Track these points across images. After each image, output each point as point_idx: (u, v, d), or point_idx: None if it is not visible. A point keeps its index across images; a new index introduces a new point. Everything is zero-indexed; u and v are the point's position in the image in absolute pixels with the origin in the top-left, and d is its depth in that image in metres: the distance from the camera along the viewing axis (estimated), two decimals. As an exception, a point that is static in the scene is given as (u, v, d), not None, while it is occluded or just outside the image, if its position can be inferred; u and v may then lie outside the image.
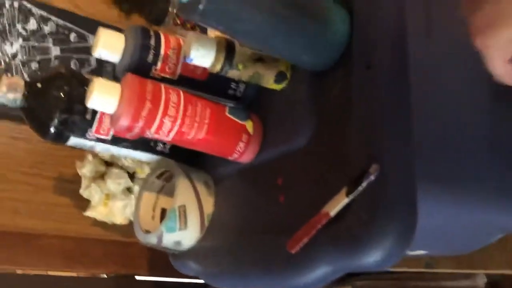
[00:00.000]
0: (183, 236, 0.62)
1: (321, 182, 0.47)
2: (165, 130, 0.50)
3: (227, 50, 0.50)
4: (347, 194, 0.41)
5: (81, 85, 0.59)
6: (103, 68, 0.95)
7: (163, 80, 0.54)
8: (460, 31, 0.54)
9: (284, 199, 0.51)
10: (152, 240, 0.62)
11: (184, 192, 0.61)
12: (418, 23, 0.48)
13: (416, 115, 0.42)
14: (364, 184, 0.40)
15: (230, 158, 0.56)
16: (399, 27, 0.45)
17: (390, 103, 0.42)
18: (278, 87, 0.54)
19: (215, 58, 0.49)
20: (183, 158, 0.64)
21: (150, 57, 0.53)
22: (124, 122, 0.49)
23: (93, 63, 0.96)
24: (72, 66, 0.92)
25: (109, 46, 0.52)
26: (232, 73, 0.51)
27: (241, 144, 0.54)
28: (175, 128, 0.50)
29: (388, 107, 0.42)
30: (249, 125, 0.54)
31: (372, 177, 0.40)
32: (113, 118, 0.50)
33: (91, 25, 0.93)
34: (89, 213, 0.85)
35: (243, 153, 0.55)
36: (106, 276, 0.94)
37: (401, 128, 0.41)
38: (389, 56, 0.43)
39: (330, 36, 0.46)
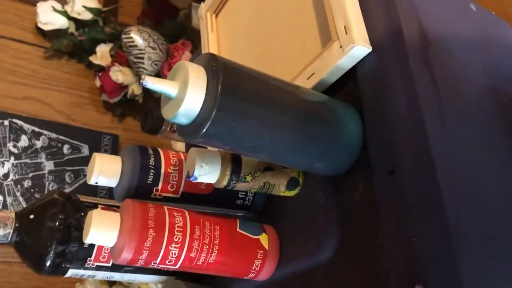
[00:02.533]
0: None
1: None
2: (172, 259, 0.45)
3: (233, 162, 0.46)
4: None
5: (77, 211, 0.54)
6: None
7: (166, 199, 0.50)
8: (471, 107, 0.51)
9: (313, 322, 0.45)
10: None
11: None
12: (431, 111, 0.45)
13: (452, 217, 0.38)
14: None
15: (246, 277, 0.50)
16: (416, 122, 0.41)
17: (423, 210, 0.38)
18: (291, 193, 0.49)
19: (221, 173, 0.45)
20: (192, 277, 0.58)
21: (151, 178, 0.49)
22: (127, 255, 0.44)
23: (89, 173, 0.92)
24: (67, 179, 0.89)
25: (105, 171, 0.48)
26: (241, 186, 0.47)
27: (257, 262, 0.49)
28: (183, 255, 0.45)
29: (422, 214, 0.37)
30: (263, 239, 0.50)
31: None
32: (114, 251, 0.45)
33: (85, 135, 0.90)
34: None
35: (259, 271, 0.49)
36: None
37: (440, 236, 0.36)
38: (412, 156, 0.40)
39: (343, 141, 0.42)
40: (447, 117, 0.46)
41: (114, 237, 0.44)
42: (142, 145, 0.51)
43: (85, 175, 0.87)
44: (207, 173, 0.45)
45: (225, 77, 0.35)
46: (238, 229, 0.49)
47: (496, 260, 0.41)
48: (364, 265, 0.42)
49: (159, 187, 0.49)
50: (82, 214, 0.54)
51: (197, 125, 0.35)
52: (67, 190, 0.86)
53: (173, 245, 0.45)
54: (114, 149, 0.93)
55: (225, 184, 0.46)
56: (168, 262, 0.45)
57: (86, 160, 0.94)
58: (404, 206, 0.38)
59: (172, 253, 0.45)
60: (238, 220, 0.50)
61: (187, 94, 0.34)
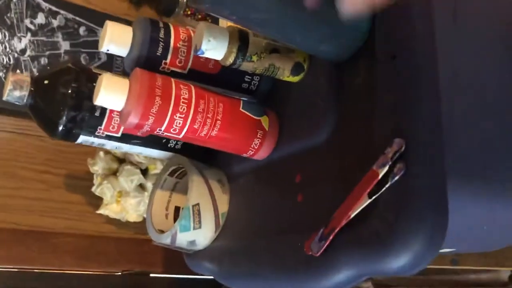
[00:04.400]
0: (198, 235, 0.59)
1: (342, 179, 0.44)
2: (177, 128, 0.48)
3: (241, 40, 0.47)
4: (370, 195, 0.38)
5: (89, 81, 0.56)
6: (113, 62, 0.93)
7: (174, 74, 0.52)
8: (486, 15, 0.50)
9: (302, 198, 0.48)
10: (166, 240, 0.60)
11: (198, 190, 0.59)
12: (445, 7, 0.44)
13: (445, 106, 0.39)
14: (387, 185, 0.38)
15: (244, 155, 0.53)
16: (426, 12, 0.41)
17: (418, 93, 0.39)
18: (295, 79, 0.51)
19: (227, 50, 0.46)
20: (196, 155, 0.62)
21: (160, 51, 0.50)
22: (133, 119, 0.46)
23: (103, 57, 0.94)
24: (82, 60, 0.91)
25: (116, 39, 0.49)
26: (246, 66, 0.48)
27: (256, 141, 0.51)
28: (187, 125, 0.48)
29: (415, 97, 0.39)
30: (264, 120, 0.52)
31: (396, 177, 0.37)
32: (122, 115, 0.47)
33: (101, 19, 0.90)
34: (102, 211, 0.84)
35: (258, 149, 0.52)
36: (120, 274, 0.93)
37: (430, 120, 0.38)
38: (416, 44, 0.40)
39: (351, 24, 0.42)
40: (460, 17, 0.46)
41: (122, 101, 0.46)
42: (154, 18, 0.51)
43: (100, 59, 0.89)
44: (214, 48, 0.46)
45: None
46: (241, 109, 0.51)
47: (480, 157, 0.43)
48: (356, 145, 0.44)
49: (168, 60, 0.51)
50: (94, 84, 0.56)
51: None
52: (82, 71, 0.89)
53: (178, 115, 0.47)
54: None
55: (231, 61, 0.47)
56: (173, 130, 0.48)
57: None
58: (402, 87, 0.39)
59: (176, 123, 0.47)
60: (242, 101, 0.52)
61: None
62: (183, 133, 0.48)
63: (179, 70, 0.51)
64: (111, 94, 0.46)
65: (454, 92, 0.41)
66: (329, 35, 0.42)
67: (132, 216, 0.84)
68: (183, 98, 0.47)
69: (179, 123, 0.47)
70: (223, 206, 0.60)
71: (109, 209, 0.84)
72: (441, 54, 0.40)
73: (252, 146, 0.51)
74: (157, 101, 0.46)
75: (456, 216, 0.37)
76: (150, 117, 0.46)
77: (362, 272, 0.40)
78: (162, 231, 0.62)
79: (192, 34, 0.53)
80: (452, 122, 0.39)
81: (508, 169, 0.43)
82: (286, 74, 0.50)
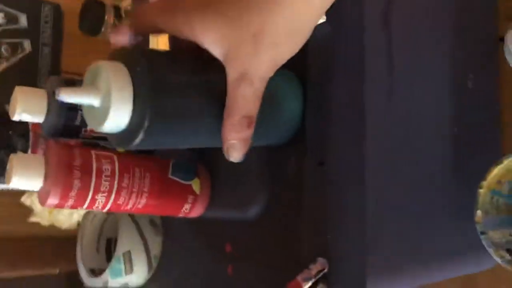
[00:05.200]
0: (130, 279, 0.59)
1: (269, 264, 0.44)
2: (99, 205, 0.45)
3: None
4: (296, 302, 0.39)
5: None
6: (39, 53, 0.85)
7: (96, 138, 0.48)
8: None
9: (232, 271, 0.48)
10: (97, 284, 0.59)
11: (128, 236, 0.57)
12: (378, 93, 0.43)
13: (371, 228, 0.39)
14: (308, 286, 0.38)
15: (176, 216, 0.52)
16: (356, 111, 0.40)
17: (343, 203, 0.38)
18: (226, 145, 0.48)
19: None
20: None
21: (79, 119, 0.46)
22: (52, 201, 0.43)
23: (27, 47, 0.85)
24: (3, 52, 0.82)
25: (30, 108, 0.45)
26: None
27: (187, 205, 0.50)
28: (110, 202, 0.45)
29: (342, 217, 0.38)
30: (195, 184, 0.50)
31: (315, 277, 0.38)
32: (41, 195, 0.44)
33: (22, 2, 0.81)
34: (33, 219, 0.81)
35: (189, 213, 0.51)
36: (57, 274, 0.92)
37: (355, 243, 0.38)
38: (343, 151, 0.39)
39: (282, 117, 0.40)
40: (396, 96, 0.44)
41: (39, 182, 0.43)
42: (69, 78, 0.47)
43: (24, 50, 0.81)
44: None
45: (154, 83, 0.31)
46: (169, 175, 0.49)
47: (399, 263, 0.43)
48: (284, 233, 0.43)
49: (88, 128, 0.47)
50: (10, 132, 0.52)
51: (129, 134, 0.32)
52: (4, 65, 0.81)
53: (100, 194, 0.45)
54: (55, 22, 0.85)
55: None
56: (95, 207, 0.45)
57: (25, 33, 0.86)
58: (328, 206, 0.38)
59: (98, 202, 0.45)
60: (171, 164, 0.49)
61: (111, 105, 0.30)
62: (106, 208, 0.46)
63: (102, 135, 0.48)
64: (25, 177, 0.42)
65: (381, 208, 0.40)
66: (257, 135, 0.40)
67: (65, 225, 0.82)
68: (105, 175, 0.44)
69: (102, 201, 0.45)
70: (156, 248, 0.59)
71: (41, 217, 0.82)
72: (369, 164, 0.39)
73: (182, 210, 0.50)
74: (76, 184, 0.43)
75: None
76: (70, 199, 0.44)
77: None
78: (93, 270, 0.61)
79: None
80: (376, 240, 0.39)
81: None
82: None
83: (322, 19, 0.39)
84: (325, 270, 0.37)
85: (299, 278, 0.39)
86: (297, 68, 0.42)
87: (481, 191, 0.48)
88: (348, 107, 0.39)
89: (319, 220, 0.39)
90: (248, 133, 0.33)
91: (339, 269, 0.37)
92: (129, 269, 0.58)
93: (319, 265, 0.37)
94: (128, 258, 0.57)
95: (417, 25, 0.49)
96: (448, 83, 0.54)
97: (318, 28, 0.40)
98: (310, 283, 0.38)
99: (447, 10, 0.52)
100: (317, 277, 0.37)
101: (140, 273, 0.59)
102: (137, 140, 0.31)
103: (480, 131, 0.59)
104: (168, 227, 0.59)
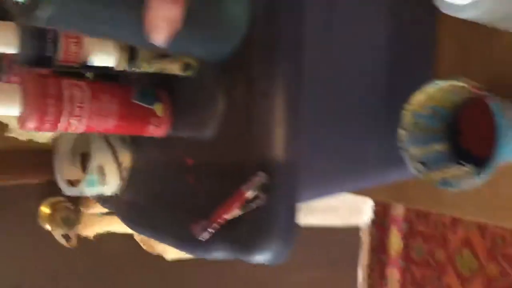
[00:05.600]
0: (104, 189, 0.67)
1: (223, 176, 0.52)
2: (73, 128, 0.51)
3: (129, 49, 0.49)
4: (240, 208, 0.48)
5: None
6: None
7: (68, 68, 0.53)
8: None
9: (193, 181, 0.56)
10: (75, 193, 0.67)
11: (100, 152, 0.64)
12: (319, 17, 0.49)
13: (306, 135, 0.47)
14: (252, 206, 0.47)
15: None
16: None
17: (283, 127, 0.46)
18: (185, 74, 0.54)
19: (117, 61, 0.49)
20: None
21: (50, 49, 0.50)
22: (30, 126, 0.49)
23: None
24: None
25: (1, 40, 0.49)
26: (137, 70, 0.51)
27: (151, 127, 0.56)
28: (83, 124, 0.52)
29: (280, 130, 0.46)
30: (158, 108, 0.56)
31: (259, 201, 0.46)
32: (20, 119, 0.50)
33: None
34: (9, 133, 0.86)
35: (154, 133, 0.57)
36: (37, 183, 0.99)
37: (292, 161, 0.46)
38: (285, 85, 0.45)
39: (220, 18, 0.43)
40: (335, 28, 0.50)
41: (15, 109, 0.49)
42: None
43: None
44: (104, 61, 0.48)
45: None
46: (133, 100, 0.55)
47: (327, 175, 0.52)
48: (235, 151, 0.51)
49: (60, 57, 0.51)
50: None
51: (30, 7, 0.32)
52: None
53: (73, 118, 0.51)
54: None
55: (122, 69, 0.50)
56: (70, 130, 0.52)
57: None
58: (269, 125, 0.46)
59: (72, 124, 0.51)
60: (134, 91, 0.55)
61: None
62: (79, 130, 0.52)
63: (73, 64, 0.53)
64: (1, 104, 0.48)
65: (319, 117, 0.48)
66: (195, 35, 0.43)
67: (41, 139, 0.88)
68: (76, 102, 0.50)
69: (75, 124, 0.51)
70: (126, 162, 0.67)
71: (17, 133, 0.87)
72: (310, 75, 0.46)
73: (147, 131, 0.57)
74: (50, 109, 0.49)
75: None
76: (47, 123, 0.50)
77: (236, 258, 0.52)
78: (71, 181, 0.69)
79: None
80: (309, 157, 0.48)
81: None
82: (177, 72, 0.53)
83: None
84: (265, 182, 0.45)
85: (243, 188, 0.47)
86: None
87: (405, 113, 0.56)
88: (289, 39, 0.45)
89: (262, 141, 0.47)
90: (174, 11, 0.30)
91: (276, 182, 0.45)
92: (103, 180, 0.66)
93: (260, 178, 0.45)
94: (101, 171, 0.65)
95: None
96: (385, 14, 0.59)
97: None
98: (252, 192, 0.46)
99: None
100: (258, 187, 0.46)
101: (112, 183, 0.67)
102: (42, 13, 0.31)
103: (414, 60, 0.66)
104: (137, 142, 0.66)
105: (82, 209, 1.06)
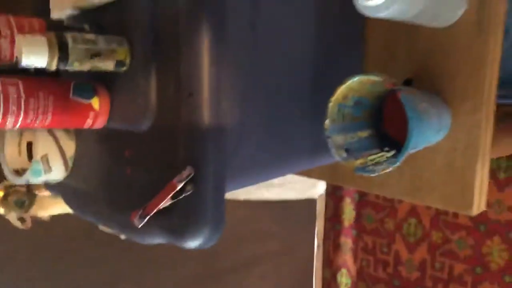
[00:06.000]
0: (50, 177, 0.69)
1: (157, 168, 0.56)
2: (10, 125, 0.53)
3: (61, 49, 0.51)
4: (172, 198, 0.51)
5: None
6: None
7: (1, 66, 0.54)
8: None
9: (130, 172, 0.59)
10: (21, 181, 0.69)
11: (43, 142, 0.66)
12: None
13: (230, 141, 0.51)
14: (182, 196, 0.50)
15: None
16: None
17: (209, 121, 0.49)
18: (118, 71, 0.56)
19: (49, 59, 0.50)
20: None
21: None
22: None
23: None
24: None
25: None
26: (70, 69, 0.53)
27: (89, 120, 0.59)
28: (19, 122, 0.53)
29: (209, 127, 0.49)
30: (95, 102, 0.58)
31: (188, 192, 0.50)
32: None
33: None
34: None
35: (92, 126, 0.60)
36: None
37: (215, 157, 0.49)
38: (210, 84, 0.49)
39: None
40: (260, 27, 0.53)
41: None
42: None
43: None
44: (35, 62, 0.50)
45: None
46: (71, 96, 0.57)
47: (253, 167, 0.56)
48: (167, 145, 0.54)
49: (-8, 57, 0.53)
50: None
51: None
52: None
53: (9, 116, 0.53)
54: None
55: (54, 68, 0.52)
56: (7, 127, 0.54)
57: None
58: (197, 122, 0.49)
59: (9, 122, 0.53)
60: (72, 86, 0.57)
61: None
62: (17, 127, 0.54)
63: (7, 63, 0.54)
64: None
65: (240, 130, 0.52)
66: None
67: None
68: (12, 98, 0.52)
69: (12, 121, 0.53)
70: (70, 151, 0.69)
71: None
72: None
73: (85, 124, 0.59)
74: (-14, 109, 0.51)
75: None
76: (-18, 120, 0.51)
77: (169, 242, 0.56)
78: (17, 171, 0.71)
79: (13, 23, 0.54)
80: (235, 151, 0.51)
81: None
82: (109, 69, 0.55)
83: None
84: (192, 175, 0.49)
85: (175, 180, 0.51)
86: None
87: (330, 104, 0.60)
88: (213, 38, 0.48)
89: (189, 136, 0.50)
90: None
91: (202, 175, 0.49)
92: (48, 169, 0.68)
93: (188, 171, 0.49)
94: (45, 160, 0.67)
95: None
96: (314, 9, 0.62)
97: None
98: (181, 184, 0.50)
99: None
100: (187, 179, 0.49)
101: (58, 172, 0.69)
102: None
103: (344, 54, 0.69)
104: (80, 133, 0.69)
105: (35, 191, 1.08)
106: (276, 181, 1.52)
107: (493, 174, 1.39)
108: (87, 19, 0.59)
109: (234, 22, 0.50)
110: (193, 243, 0.52)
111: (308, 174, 0.83)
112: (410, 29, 0.66)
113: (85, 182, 0.68)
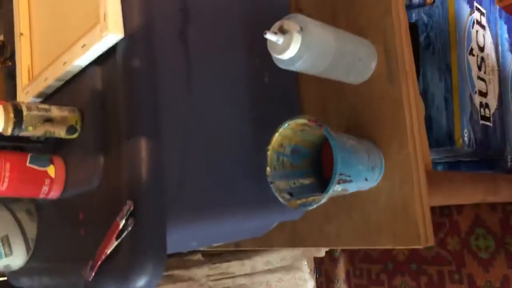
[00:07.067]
0: (11, 260, 0.71)
1: (107, 220, 0.59)
2: (-33, 190, 0.58)
3: (15, 116, 0.57)
4: (116, 238, 0.54)
5: None
6: None
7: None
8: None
9: (84, 232, 0.62)
10: (-19, 267, 0.70)
11: (4, 223, 0.70)
12: (177, 86, 0.60)
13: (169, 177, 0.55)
14: (125, 233, 0.53)
15: (38, 197, 0.65)
16: (154, 105, 0.56)
17: (142, 175, 0.54)
18: (72, 137, 0.63)
19: (4, 124, 0.57)
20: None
21: None
22: None
23: None
24: None
25: None
26: (24, 134, 0.59)
27: (45, 187, 0.63)
28: (-24, 188, 0.58)
29: (140, 176, 0.54)
30: (50, 170, 0.64)
31: (130, 227, 0.53)
32: None
33: None
34: None
35: (48, 193, 0.64)
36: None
37: (151, 192, 0.54)
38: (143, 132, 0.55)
39: None
40: (195, 86, 0.61)
41: None
42: None
43: None
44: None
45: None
46: (27, 164, 0.62)
47: (195, 202, 0.60)
48: (115, 197, 0.58)
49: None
50: None
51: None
52: None
53: (-34, 180, 0.57)
54: None
55: (10, 133, 0.58)
56: (-36, 192, 0.58)
57: None
58: (131, 170, 0.54)
59: (-34, 186, 0.58)
60: (29, 156, 0.63)
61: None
62: (-26, 192, 0.59)
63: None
64: None
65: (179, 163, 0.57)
66: None
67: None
68: (-30, 165, 0.57)
69: (-31, 186, 0.58)
70: (32, 233, 0.72)
71: None
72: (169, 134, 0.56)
73: (42, 192, 0.63)
74: None
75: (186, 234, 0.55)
76: None
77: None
78: (-22, 257, 0.72)
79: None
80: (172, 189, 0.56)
81: (228, 201, 0.62)
82: (62, 135, 0.62)
83: (120, 36, 0.56)
84: (131, 209, 0.52)
85: (118, 218, 0.54)
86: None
87: (268, 153, 0.66)
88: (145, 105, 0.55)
89: (129, 173, 0.55)
90: None
91: (140, 208, 0.53)
92: (9, 252, 0.70)
93: (128, 206, 0.53)
94: (6, 241, 0.70)
95: (214, 37, 0.67)
96: (245, 81, 0.71)
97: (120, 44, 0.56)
98: (124, 220, 0.53)
99: (242, 23, 0.70)
100: (128, 214, 0.53)
101: (19, 254, 0.71)
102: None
103: (279, 114, 0.77)
104: (41, 213, 0.72)
105: None
106: (263, 280, 1.49)
107: (475, 255, 1.38)
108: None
109: (168, 90, 0.58)
110: (139, 281, 0.53)
111: (269, 244, 0.85)
112: (337, 86, 0.75)
113: (46, 260, 0.70)
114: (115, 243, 0.54)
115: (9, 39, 0.77)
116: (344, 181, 0.62)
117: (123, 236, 0.53)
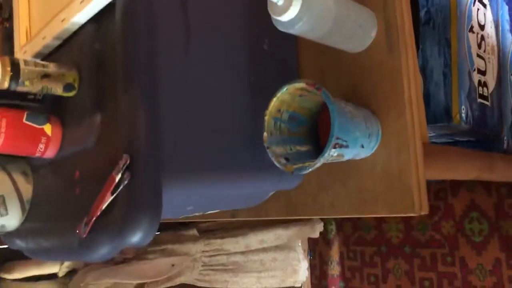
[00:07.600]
0: (6, 220, 0.71)
1: (103, 178, 0.59)
2: (-37, 144, 0.58)
3: (12, 69, 0.57)
4: (112, 193, 0.54)
5: None
6: None
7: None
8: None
9: (79, 191, 0.62)
10: (-23, 226, 0.70)
11: (0, 184, 0.70)
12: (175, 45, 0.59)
13: (165, 125, 0.55)
14: (121, 187, 0.53)
15: (34, 156, 0.65)
16: (151, 55, 0.56)
17: (144, 110, 0.54)
18: (69, 94, 0.63)
19: (1, 77, 0.57)
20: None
21: None
22: None
23: None
24: None
25: None
26: (21, 89, 0.59)
27: (41, 145, 0.63)
28: (-28, 141, 0.58)
29: (137, 127, 0.54)
30: (47, 128, 0.63)
31: (126, 181, 0.53)
32: None
33: None
34: None
35: (44, 152, 0.64)
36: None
37: (147, 145, 0.54)
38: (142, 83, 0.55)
39: None
40: (194, 49, 0.61)
41: None
42: None
43: None
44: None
45: None
46: (24, 120, 0.62)
47: (190, 159, 0.60)
48: (111, 153, 0.58)
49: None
50: None
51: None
52: None
53: (-37, 133, 0.57)
54: None
55: (6, 87, 0.58)
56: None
57: None
58: (129, 121, 0.54)
59: (-38, 139, 0.57)
60: (26, 113, 0.63)
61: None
62: (-30, 148, 0.58)
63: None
64: None
65: (177, 115, 0.57)
66: None
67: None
68: (-34, 118, 0.57)
69: (-35, 140, 0.57)
70: (28, 194, 0.72)
71: None
72: (165, 84, 0.56)
73: (38, 149, 0.63)
74: None
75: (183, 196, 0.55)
76: None
77: (116, 246, 0.56)
78: (-26, 217, 0.72)
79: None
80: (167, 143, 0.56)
81: (223, 164, 0.62)
82: (59, 92, 0.61)
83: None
84: (127, 163, 0.52)
85: (113, 172, 0.54)
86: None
87: (266, 118, 0.66)
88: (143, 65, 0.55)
89: (126, 128, 0.55)
90: None
91: (136, 162, 0.53)
92: (4, 211, 0.70)
93: (124, 160, 0.52)
94: (2, 201, 0.69)
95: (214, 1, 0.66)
96: (244, 47, 0.71)
97: None
98: (120, 175, 0.53)
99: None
100: (124, 168, 0.52)
101: (14, 215, 0.71)
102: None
103: (278, 80, 0.77)
104: (37, 175, 0.72)
105: (4, 275, 1.06)
106: (254, 268, 1.49)
107: (469, 239, 1.39)
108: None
109: (168, 52, 0.58)
110: (133, 237, 0.53)
111: (265, 214, 0.85)
112: (336, 55, 0.74)
113: (41, 220, 0.70)
114: (110, 198, 0.54)
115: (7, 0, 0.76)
116: (341, 146, 0.62)
117: (118, 190, 0.53)
